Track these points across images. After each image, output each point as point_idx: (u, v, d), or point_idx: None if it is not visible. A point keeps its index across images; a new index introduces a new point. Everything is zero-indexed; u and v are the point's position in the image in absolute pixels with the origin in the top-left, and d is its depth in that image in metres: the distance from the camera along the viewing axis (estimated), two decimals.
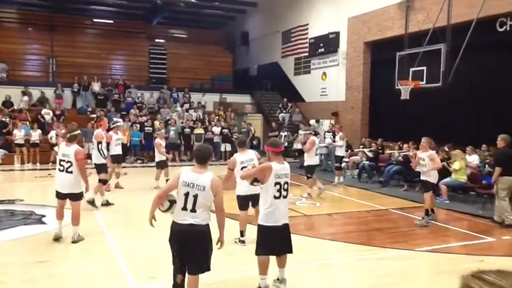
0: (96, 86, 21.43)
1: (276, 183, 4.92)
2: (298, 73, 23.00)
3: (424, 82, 13.61)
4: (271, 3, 24.65)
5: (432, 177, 8.88)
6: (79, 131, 7.54)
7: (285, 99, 22.23)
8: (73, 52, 23.03)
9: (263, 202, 5.01)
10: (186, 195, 4.28)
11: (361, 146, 15.33)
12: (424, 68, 13.66)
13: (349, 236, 7.93)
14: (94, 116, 19.39)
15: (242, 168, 6.51)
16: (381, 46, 17.69)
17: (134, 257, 6.33)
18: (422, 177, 9.12)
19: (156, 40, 27.44)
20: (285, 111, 21.93)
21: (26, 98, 20.04)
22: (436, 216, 9.04)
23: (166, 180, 10.95)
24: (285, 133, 18.21)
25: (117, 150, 11.51)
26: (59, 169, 7.06)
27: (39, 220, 8.53)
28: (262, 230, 4.98)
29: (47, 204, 9.37)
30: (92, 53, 23.75)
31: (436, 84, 13.35)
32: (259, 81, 25.41)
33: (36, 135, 16.79)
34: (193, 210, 4.27)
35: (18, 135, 16.50)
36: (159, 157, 12.05)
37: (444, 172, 11.29)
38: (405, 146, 13.54)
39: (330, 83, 20.42)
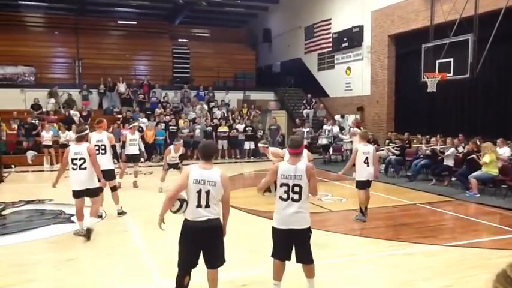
0: (121, 87, 21.72)
1: (283, 184, 4.69)
2: (321, 68, 22.81)
3: (451, 74, 13.32)
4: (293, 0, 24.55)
5: None
6: (87, 131, 7.78)
7: (309, 95, 22.09)
8: (98, 54, 23.39)
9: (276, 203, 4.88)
10: (199, 192, 4.31)
11: (387, 141, 15.12)
12: (451, 59, 13.36)
13: (377, 232, 7.82)
14: (120, 116, 19.68)
15: None
16: (405, 39, 17.39)
17: (159, 254, 6.37)
18: None
19: (179, 40, 27.63)
20: (309, 107, 21.78)
21: (53, 100, 20.48)
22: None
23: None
24: (307, 129, 18.09)
25: (131, 150, 12.06)
26: (73, 168, 7.25)
27: (68, 219, 8.67)
28: (272, 231, 4.84)
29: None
30: (117, 54, 24.10)
31: (463, 76, 13.06)
32: (283, 77, 25.30)
33: (64, 136, 17.05)
34: (207, 205, 4.32)
35: (46, 136, 16.85)
36: (170, 160, 11.67)
37: (475, 165, 11.05)
38: (433, 139, 13.29)
39: (355, 77, 20.18)
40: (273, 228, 4.80)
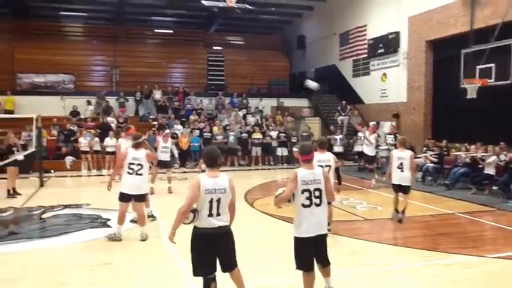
0: (157, 94, 22.07)
1: (304, 191, 4.61)
2: (356, 75, 22.55)
3: (492, 80, 12.91)
4: (328, 6, 24.41)
5: None
6: (144, 137, 8.02)
7: (344, 102, 21.82)
8: (135, 62, 23.90)
9: (296, 212, 4.76)
10: (210, 201, 4.36)
11: (424, 148, 14.74)
12: (493, 65, 12.96)
13: (413, 241, 7.59)
14: (155, 123, 19.99)
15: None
16: (443, 44, 16.97)
17: None
18: None
19: (214, 47, 27.90)
20: (343, 114, 21.53)
21: (91, 107, 21.02)
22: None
23: None
24: (340, 136, 17.93)
25: (163, 156, 12.39)
26: (128, 172, 7.43)
27: (105, 224, 8.82)
28: (296, 242, 4.71)
29: (112, 209, 9.67)
30: (153, 62, 24.55)
31: (506, 82, 12.62)
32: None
33: (112, 142, 17.15)
34: (218, 214, 4.39)
35: (84, 142, 17.27)
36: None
37: None
38: (472, 147, 12.88)
39: (390, 83, 19.83)
40: (299, 238, 4.66)
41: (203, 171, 4.45)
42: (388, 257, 6.78)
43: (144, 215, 7.87)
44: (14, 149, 12.36)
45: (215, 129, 19.58)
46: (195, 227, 4.41)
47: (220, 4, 19.43)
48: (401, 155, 8.58)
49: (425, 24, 17.37)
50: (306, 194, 4.61)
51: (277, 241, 7.36)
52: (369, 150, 14.42)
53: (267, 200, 11.43)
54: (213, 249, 4.39)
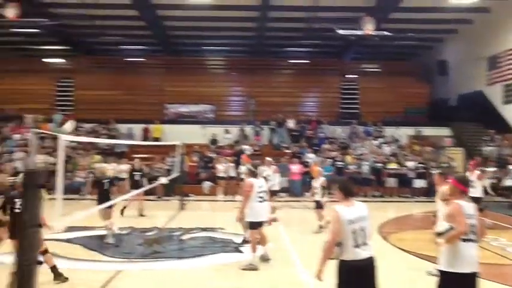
0: (290, 123, 22.42)
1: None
2: (508, 101, 20.40)
3: None
4: (474, 29, 22.62)
5: None
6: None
7: (492, 131, 19.83)
8: (270, 92, 24.67)
9: (448, 247, 4.33)
10: (354, 232, 4.16)
11: None
12: None
13: None
14: (288, 151, 20.27)
15: None
16: None
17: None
18: None
19: (348, 76, 27.60)
20: (492, 145, 19.54)
21: (229, 135, 22.09)
22: None
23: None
24: (492, 169, 16.17)
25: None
26: (259, 201, 7.64)
27: (236, 249, 8.99)
28: (445, 278, 4.32)
29: (243, 234, 9.88)
30: (287, 91, 25.08)
31: None
32: (459, 112, 23.29)
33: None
34: (364, 243, 4.19)
35: (221, 169, 18.12)
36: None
37: None
38: None
39: None
40: (451, 273, 4.25)
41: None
42: None
43: (266, 235, 8.04)
44: (138, 173, 13.42)
45: (348, 158, 19.15)
46: (341, 260, 4.20)
47: (358, 32, 19.15)
48: None
49: None
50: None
51: (415, 279, 6.83)
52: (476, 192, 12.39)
53: (403, 235, 10.70)
54: (362, 281, 4.19)
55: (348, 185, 4.46)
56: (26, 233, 3.99)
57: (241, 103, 25.58)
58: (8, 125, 22.10)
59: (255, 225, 7.65)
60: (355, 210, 4.26)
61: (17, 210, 5.91)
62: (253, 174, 7.87)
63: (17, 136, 20.88)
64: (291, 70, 28.53)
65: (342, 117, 24.71)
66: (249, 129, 22.58)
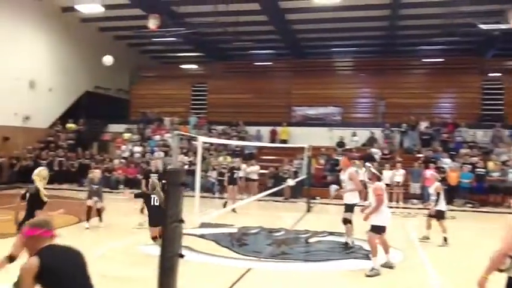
0: (423, 126, 21.12)
1: None
2: None
3: None
4: None
5: None
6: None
7: None
8: (401, 93, 23.55)
9: None
10: None
11: None
12: None
13: None
14: (420, 155, 19.13)
15: None
16: None
17: None
18: None
19: (490, 74, 25.20)
20: None
21: (356, 138, 21.55)
22: None
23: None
24: None
25: None
26: (388, 206, 7.58)
27: (366, 256, 8.63)
28: None
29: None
30: (420, 92, 23.67)
31: None
32: None
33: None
34: None
35: None
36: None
37: None
38: None
39: None
40: None
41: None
42: None
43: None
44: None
45: (490, 164, 17.44)
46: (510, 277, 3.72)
47: (503, 26, 17.35)
48: None
49: None
50: None
51: None
52: None
53: None
54: None
55: None
56: (169, 227, 4.21)
57: (369, 105, 24.82)
58: (150, 127, 24.18)
59: (379, 230, 7.39)
60: None
61: (152, 204, 8.03)
62: (378, 178, 7.71)
63: (157, 137, 22.74)
64: (424, 69, 26.94)
65: (482, 119, 22.57)
66: (378, 132, 21.80)
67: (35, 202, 6.42)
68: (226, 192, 15.26)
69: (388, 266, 7.54)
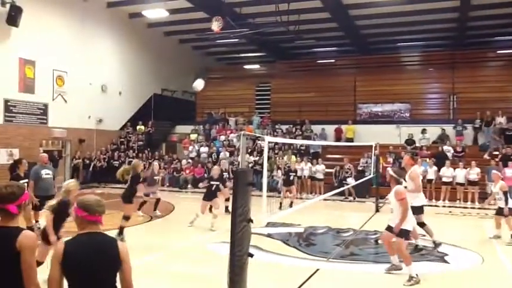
0: (500, 121, 19.83)
1: None
2: None
3: None
4: None
5: None
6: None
7: None
8: (474, 87, 22.32)
9: None
10: None
11: None
12: None
13: None
14: (496, 153, 18.02)
15: None
16: None
17: None
18: None
19: None
20: None
21: (426, 135, 20.66)
22: None
23: None
24: None
25: None
26: None
27: (442, 258, 8.24)
28: None
29: (448, 243, 9.06)
30: (495, 86, 22.25)
31: None
32: None
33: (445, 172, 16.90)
34: None
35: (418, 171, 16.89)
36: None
37: None
38: None
39: None
40: None
41: None
42: None
43: None
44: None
45: None
46: None
47: None
48: None
49: None
50: None
51: None
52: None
53: None
54: None
55: None
56: (238, 226, 4.19)
57: (440, 100, 23.73)
58: (215, 127, 24.57)
59: (406, 234, 6.95)
60: None
61: None
62: (397, 181, 7.20)
63: (222, 137, 23.06)
64: (500, 61, 25.22)
65: None
66: (449, 129, 20.78)
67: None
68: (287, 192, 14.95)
69: (397, 268, 7.11)
